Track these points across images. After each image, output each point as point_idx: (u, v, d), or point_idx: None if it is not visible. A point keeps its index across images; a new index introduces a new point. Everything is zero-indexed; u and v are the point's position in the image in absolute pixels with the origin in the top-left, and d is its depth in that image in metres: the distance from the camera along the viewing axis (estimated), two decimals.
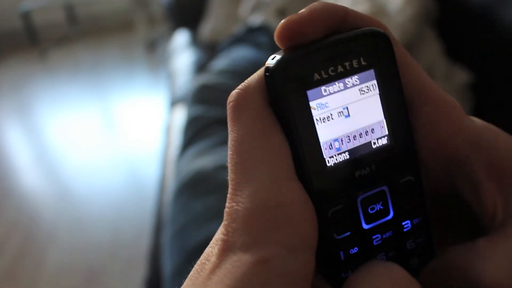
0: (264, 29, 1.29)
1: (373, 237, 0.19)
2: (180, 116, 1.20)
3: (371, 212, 0.19)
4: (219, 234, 0.17)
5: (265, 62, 0.18)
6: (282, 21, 0.18)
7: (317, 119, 0.18)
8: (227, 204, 0.17)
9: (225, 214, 0.17)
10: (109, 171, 1.95)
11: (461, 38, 1.21)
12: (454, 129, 0.19)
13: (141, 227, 1.57)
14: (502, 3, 1.09)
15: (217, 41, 1.55)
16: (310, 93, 0.18)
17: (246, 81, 0.19)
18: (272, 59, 0.18)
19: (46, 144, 2.25)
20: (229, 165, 0.18)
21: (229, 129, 0.18)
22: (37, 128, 2.40)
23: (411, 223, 0.20)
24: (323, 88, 0.18)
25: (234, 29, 1.48)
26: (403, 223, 0.20)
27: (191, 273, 0.18)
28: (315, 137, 0.18)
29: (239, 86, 0.19)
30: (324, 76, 0.18)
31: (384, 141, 0.19)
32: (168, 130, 1.29)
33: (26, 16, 3.15)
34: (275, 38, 0.19)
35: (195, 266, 0.18)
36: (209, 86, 1.04)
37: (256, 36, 1.26)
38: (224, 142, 0.87)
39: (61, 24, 3.40)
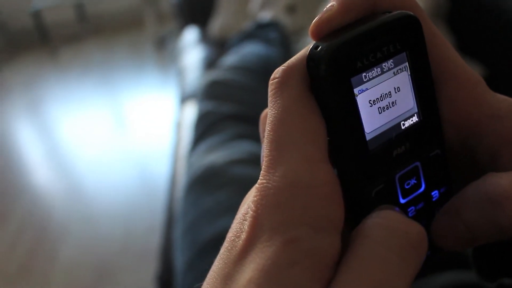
0: (274, 25, 1.29)
1: (408, 209, 0.21)
2: (190, 112, 1.20)
3: (406, 187, 0.20)
4: (247, 209, 0.18)
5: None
6: (315, 19, 0.19)
7: (359, 105, 0.19)
8: (259, 181, 0.18)
9: (255, 190, 0.17)
10: (120, 167, 1.96)
11: (473, 32, 1.20)
12: (476, 103, 0.20)
13: (152, 222, 1.58)
14: None
15: (226, 37, 1.55)
16: (353, 80, 0.18)
17: (288, 61, 0.19)
18: (316, 48, 0.18)
19: (57, 141, 2.27)
20: (265, 141, 0.18)
21: (270, 105, 0.19)
22: (48, 125, 2.42)
23: (439, 192, 0.21)
24: (364, 74, 0.19)
25: (244, 26, 1.48)
26: (432, 193, 0.21)
27: (221, 250, 0.18)
28: (359, 123, 0.19)
29: (284, 64, 0.19)
30: (365, 63, 0.18)
31: (415, 118, 0.20)
32: (178, 126, 1.29)
33: (36, 15, 3.18)
34: (310, 35, 0.19)
35: (224, 243, 0.18)
36: (219, 82, 1.04)
37: (266, 32, 1.26)
38: (235, 137, 0.87)
39: (72, 23, 3.43)
